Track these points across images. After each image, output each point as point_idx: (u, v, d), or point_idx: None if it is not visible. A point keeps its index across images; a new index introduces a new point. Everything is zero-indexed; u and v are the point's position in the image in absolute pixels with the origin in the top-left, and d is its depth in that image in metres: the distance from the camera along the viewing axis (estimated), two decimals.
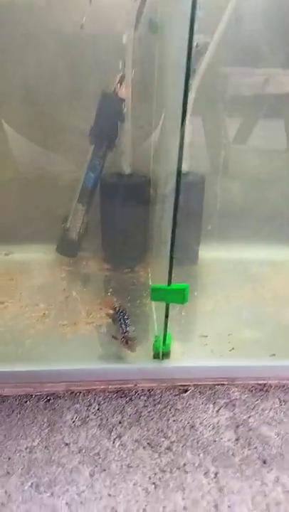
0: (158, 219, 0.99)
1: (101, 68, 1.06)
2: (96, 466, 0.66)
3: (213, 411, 0.77)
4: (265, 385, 0.82)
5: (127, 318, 0.82)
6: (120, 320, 0.82)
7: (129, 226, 1.13)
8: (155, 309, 0.97)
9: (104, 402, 0.78)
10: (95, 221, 1.15)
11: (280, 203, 1.28)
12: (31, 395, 0.79)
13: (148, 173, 1.14)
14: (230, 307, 1.03)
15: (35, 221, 1.18)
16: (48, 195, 1.16)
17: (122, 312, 0.84)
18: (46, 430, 0.72)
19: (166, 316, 0.77)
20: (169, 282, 0.73)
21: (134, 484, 0.63)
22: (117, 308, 0.87)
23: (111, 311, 0.89)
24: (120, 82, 1.03)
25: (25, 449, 0.68)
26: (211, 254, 1.23)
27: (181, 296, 0.74)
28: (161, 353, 0.82)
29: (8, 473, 0.65)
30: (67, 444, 0.69)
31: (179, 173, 0.64)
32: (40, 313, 0.98)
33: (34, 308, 0.99)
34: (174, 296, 0.74)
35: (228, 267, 1.23)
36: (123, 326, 0.81)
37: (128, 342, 0.78)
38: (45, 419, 0.74)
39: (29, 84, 1.07)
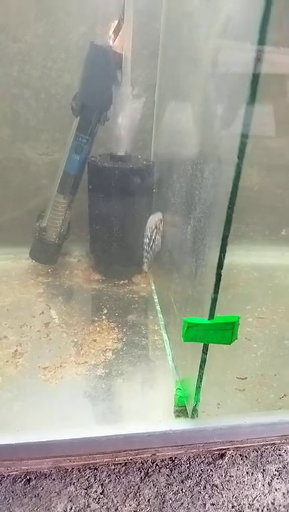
0: (169, 215, 0.84)
1: (90, 13, 0.89)
2: None
3: (263, 484, 0.66)
4: None
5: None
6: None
7: (125, 224, 0.97)
8: (169, 342, 0.82)
9: (110, 482, 0.63)
10: (81, 218, 1.00)
11: None
12: (3, 476, 0.64)
13: (150, 154, 1.01)
14: (269, 333, 0.86)
15: (1, 218, 1.05)
16: (19, 184, 1.03)
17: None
18: None
19: (203, 362, 0.57)
20: (212, 314, 0.53)
21: None
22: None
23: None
24: (116, 30, 0.85)
25: None
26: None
27: (228, 334, 0.53)
28: (191, 409, 0.64)
29: None
30: None
31: (243, 145, 0.43)
32: (10, 349, 0.77)
33: (1, 343, 0.79)
34: (219, 334, 0.53)
35: (250, 275, 1.06)
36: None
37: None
38: None
39: None
